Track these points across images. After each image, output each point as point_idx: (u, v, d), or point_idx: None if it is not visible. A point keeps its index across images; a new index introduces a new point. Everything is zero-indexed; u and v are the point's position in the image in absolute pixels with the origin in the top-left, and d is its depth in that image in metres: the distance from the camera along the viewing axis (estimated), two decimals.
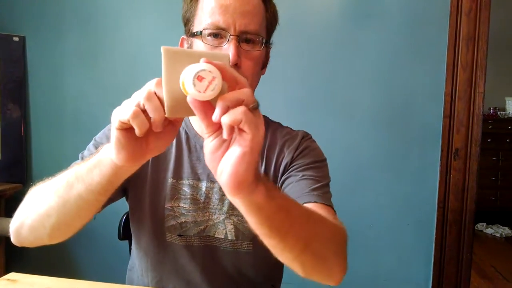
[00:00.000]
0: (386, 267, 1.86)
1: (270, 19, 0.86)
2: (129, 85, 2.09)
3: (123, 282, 0.88)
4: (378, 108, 1.83)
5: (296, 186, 0.84)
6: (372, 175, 1.84)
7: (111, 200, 0.85)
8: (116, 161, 0.56)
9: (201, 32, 0.80)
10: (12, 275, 0.87)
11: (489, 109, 4.16)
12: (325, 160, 0.93)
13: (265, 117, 0.99)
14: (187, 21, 0.86)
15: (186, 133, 0.93)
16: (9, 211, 2.07)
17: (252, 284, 0.94)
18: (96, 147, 0.87)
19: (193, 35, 0.83)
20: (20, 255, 2.07)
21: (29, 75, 2.07)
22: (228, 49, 0.78)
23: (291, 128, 0.98)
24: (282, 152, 0.91)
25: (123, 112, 0.51)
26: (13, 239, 0.71)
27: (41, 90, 2.07)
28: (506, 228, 3.88)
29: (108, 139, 0.79)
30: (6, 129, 2.05)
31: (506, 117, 4.14)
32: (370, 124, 1.84)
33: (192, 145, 0.92)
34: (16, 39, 2.03)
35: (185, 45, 0.88)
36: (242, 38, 0.80)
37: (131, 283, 0.99)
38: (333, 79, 1.85)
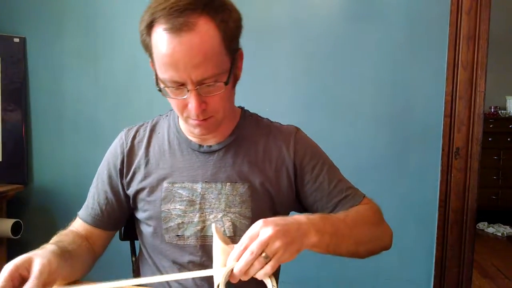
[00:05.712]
0: (387, 266, 1.85)
1: (229, 38, 0.79)
2: (129, 86, 2.09)
3: None
4: (379, 107, 1.83)
5: (320, 192, 0.97)
6: (373, 175, 1.84)
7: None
8: None
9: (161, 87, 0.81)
10: None
11: (490, 108, 4.15)
12: (320, 148, 1.02)
13: (255, 115, 1.02)
14: (146, 49, 0.83)
15: (177, 138, 0.96)
16: (11, 212, 2.08)
17: (248, 284, 0.95)
18: (110, 175, 0.97)
19: (157, 78, 0.82)
20: None
21: (29, 76, 2.07)
22: (190, 101, 0.79)
23: (280, 123, 1.01)
24: (281, 151, 0.96)
25: None
26: None
27: (41, 91, 2.07)
28: (508, 227, 3.88)
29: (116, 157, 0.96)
30: (7, 130, 2.06)
31: (507, 116, 4.13)
32: (371, 123, 1.84)
33: (184, 149, 0.95)
34: (16, 40, 2.03)
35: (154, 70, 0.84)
36: (202, 86, 0.78)
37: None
38: (333, 79, 1.85)
